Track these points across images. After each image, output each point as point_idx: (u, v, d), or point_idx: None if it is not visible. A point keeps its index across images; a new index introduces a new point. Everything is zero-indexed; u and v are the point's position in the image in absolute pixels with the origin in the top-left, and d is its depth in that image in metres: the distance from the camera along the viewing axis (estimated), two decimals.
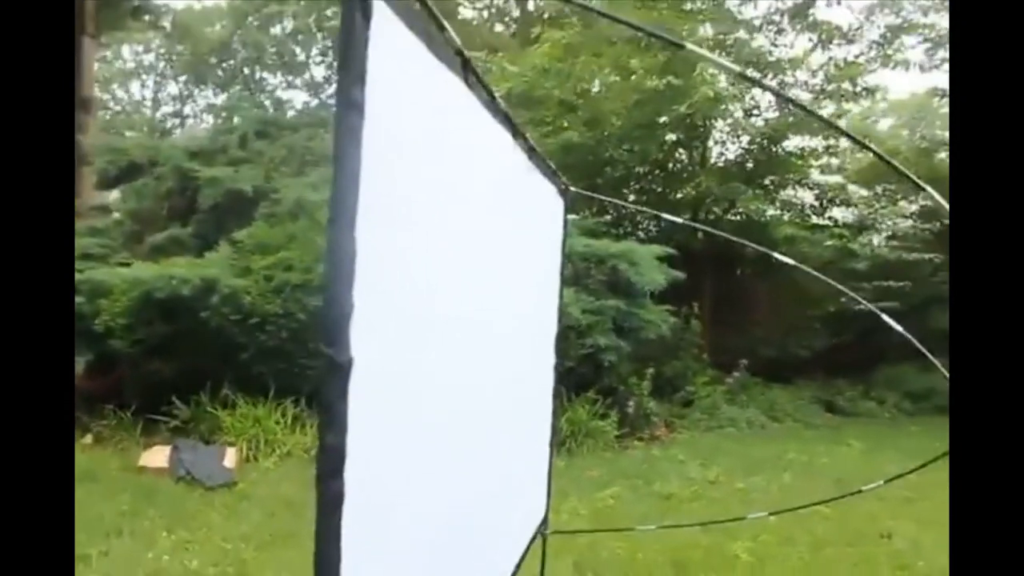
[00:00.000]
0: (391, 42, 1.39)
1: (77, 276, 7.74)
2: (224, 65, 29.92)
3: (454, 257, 1.99)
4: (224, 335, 7.77)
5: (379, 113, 1.33)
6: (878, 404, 12.06)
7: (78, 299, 7.61)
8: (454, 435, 2.19)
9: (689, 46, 1.75)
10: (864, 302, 5.01)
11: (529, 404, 3.54)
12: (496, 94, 2.37)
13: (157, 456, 6.80)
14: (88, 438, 7.56)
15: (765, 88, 12.02)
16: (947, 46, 13.43)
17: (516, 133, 2.73)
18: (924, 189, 1.74)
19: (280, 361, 7.78)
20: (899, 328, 4.09)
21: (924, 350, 4.23)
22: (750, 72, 12.12)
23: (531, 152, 3.09)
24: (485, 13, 22.99)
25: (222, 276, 7.83)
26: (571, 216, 4.48)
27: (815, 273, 5.74)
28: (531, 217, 3.25)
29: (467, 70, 1.83)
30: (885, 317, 4.29)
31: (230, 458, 6.84)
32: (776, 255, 5.72)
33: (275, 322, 7.80)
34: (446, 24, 1.56)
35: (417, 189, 1.65)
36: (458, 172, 1.96)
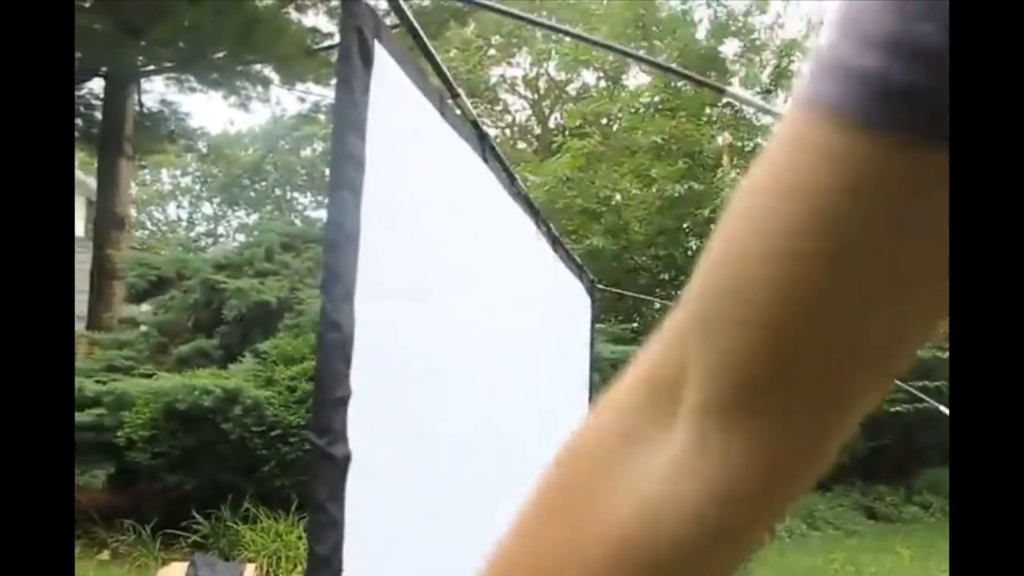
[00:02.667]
0: (395, 94, 1.29)
1: (100, 388, 7.72)
2: (256, 186, 30.88)
3: (467, 341, 1.82)
4: (246, 447, 7.65)
5: (381, 170, 1.21)
6: (922, 509, 11.52)
7: (100, 411, 7.56)
8: (471, 549, 1.94)
9: (729, 90, 1.70)
10: (929, 400, 4.86)
11: None
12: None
13: (174, 573, 6.57)
14: (105, 554, 7.36)
15: None
16: None
17: (539, 221, 2.67)
18: None
19: (302, 473, 7.59)
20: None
21: None
22: None
23: (556, 244, 3.01)
24: (507, 131, 23.63)
25: (245, 387, 7.76)
26: (596, 325, 4.41)
27: None
28: (556, 310, 3.14)
29: (485, 145, 1.77)
30: (947, 412, 4.12)
31: (249, 574, 6.59)
32: None
33: (297, 434, 7.67)
34: (461, 92, 1.51)
35: (426, 260, 1.50)
36: (473, 249, 1.78)
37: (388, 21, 1.50)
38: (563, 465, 0.45)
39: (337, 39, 1.24)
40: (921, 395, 4.89)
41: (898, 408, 11.64)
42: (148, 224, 31.25)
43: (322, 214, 28.78)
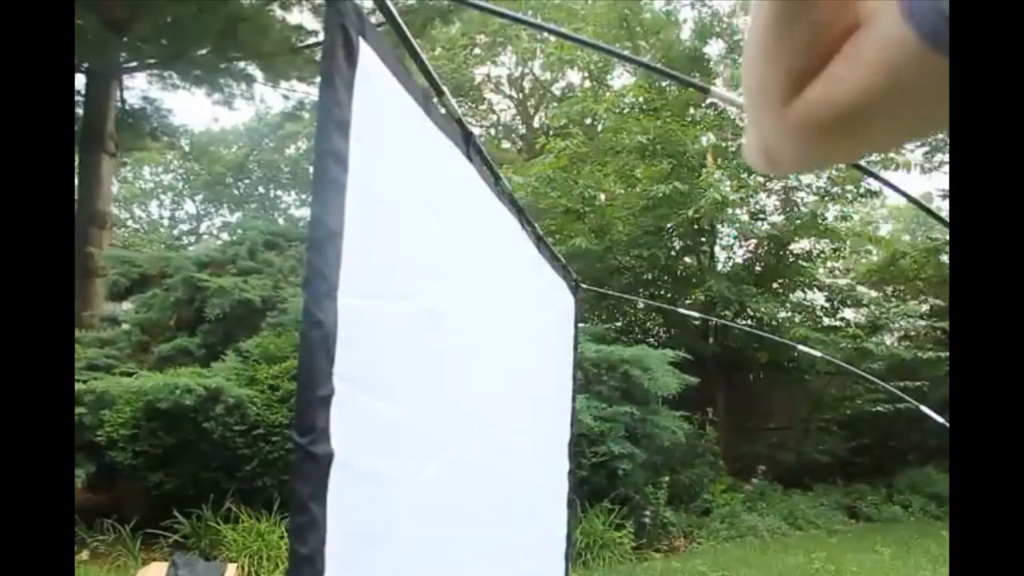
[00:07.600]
0: (379, 92, 1.30)
1: (81, 387, 7.65)
2: (240, 184, 30.70)
3: (451, 339, 1.81)
4: (228, 446, 7.60)
5: (365, 169, 1.20)
6: (903, 508, 11.62)
7: (81, 410, 7.49)
8: (455, 548, 1.93)
9: (713, 90, 1.72)
10: (909, 400, 4.90)
11: (541, 513, 3.33)
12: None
13: (154, 573, 6.51)
14: (84, 554, 7.29)
15: None
16: (946, 150, 13.65)
17: (524, 220, 2.66)
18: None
19: (284, 473, 7.56)
20: (942, 420, 3.93)
21: None
22: (754, 177, 12.30)
23: (540, 242, 3.01)
24: (492, 131, 23.61)
25: (227, 386, 7.71)
26: (579, 324, 4.41)
27: (849, 367, 5.64)
28: (540, 309, 3.14)
29: (469, 144, 1.77)
30: (929, 411, 4.15)
31: (230, 574, 6.54)
32: (803, 347, 5.64)
33: (280, 432, 7.64)
34: (445, 90, 1.50)
35: (409, 258, 1.50)
36: (457, 248, 1.80)
37: (373, 19, 1.50)
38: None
39: (322, 37, 1.24)
40: (902, 395, 4.91)
41: (879, 408, 11.74)
42: (130, 222, 31.00)
43: (306, 212, 28.55)
